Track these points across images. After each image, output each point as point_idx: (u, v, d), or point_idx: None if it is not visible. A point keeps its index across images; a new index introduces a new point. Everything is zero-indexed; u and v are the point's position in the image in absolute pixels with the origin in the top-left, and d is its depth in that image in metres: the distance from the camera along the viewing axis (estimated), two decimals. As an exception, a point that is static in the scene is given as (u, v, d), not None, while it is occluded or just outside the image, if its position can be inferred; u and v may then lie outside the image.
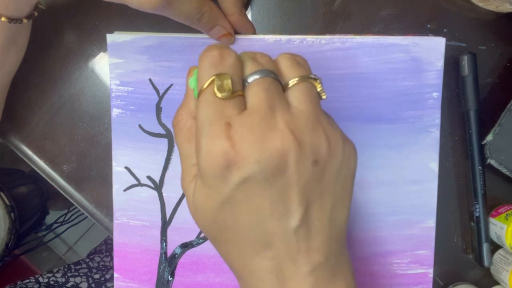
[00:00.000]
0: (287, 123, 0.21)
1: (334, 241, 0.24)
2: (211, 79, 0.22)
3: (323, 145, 0.22)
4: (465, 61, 0.37)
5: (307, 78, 0.24)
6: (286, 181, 0.21)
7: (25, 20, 0.33)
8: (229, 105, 0.22)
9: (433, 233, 0.37)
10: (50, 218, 1.08)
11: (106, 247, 0.92)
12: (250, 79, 0.23)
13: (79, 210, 0.59)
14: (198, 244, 0.38)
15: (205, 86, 0.22)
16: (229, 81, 0.22)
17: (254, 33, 0.36)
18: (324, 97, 0.24)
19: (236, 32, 0.35)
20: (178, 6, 0.29)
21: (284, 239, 0.22)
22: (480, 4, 0.37)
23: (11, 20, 0.32)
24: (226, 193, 0.22)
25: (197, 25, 0.32)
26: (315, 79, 0.24)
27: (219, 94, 0.22)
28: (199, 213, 0.24)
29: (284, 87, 0.23)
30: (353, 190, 0.25)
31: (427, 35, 0.37)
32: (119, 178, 0.38)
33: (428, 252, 0.37)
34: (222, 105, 0.22)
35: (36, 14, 0.34)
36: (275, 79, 0.23)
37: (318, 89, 0.24)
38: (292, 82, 0.23)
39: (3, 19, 0.31)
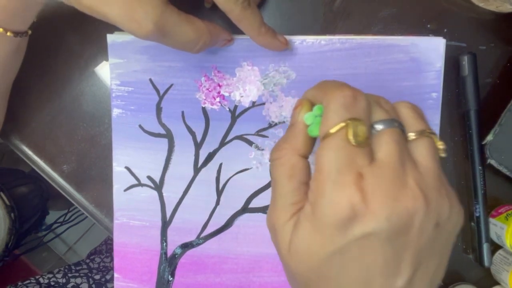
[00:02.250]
0: (416, 181, 0.21)
1: None
2: (345, 123, 0.21)
3: (446, 208, 0.22)
4: (465, 61, 0.37)
5: (428, 133, 0.23)
6: (406, 241, 0.21)
7: (29, 31, 0.33)
8: (361, 154, 0.21)
9: (433, 233, 0.37)
10: (50, 218, 1.08)
11: (106, 248, 0.92)
12: (378, 127, 0.22)
13: (79, 210, 0.58)
14: (198, 244, 0.38)
15: (334, 129, 0.21)
16: (364, 128, 0.21)
17: (259, 26, 0.34)
18: (443, 155, 0.23)
19: (237, 32, 0.35)
20: (173, 37, 0.28)
21: None
22: (480, 4, 0.37)
23: (17, 34, 0.32)
24: (341, 244, 0.21)
25: (193, 51, 0.31)
26: (435, 134, 0.23)
27: (353, 141, 0.21)
28: (298, 256, 0.22)
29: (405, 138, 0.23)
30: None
31: (427, 35, 0.37)
32: (119, 178, 0.38)
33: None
34: (354, 153, 0.21)
35: (35, 20, 0.34)
36: (402, 130, 0.22)
37: (440, 147, 0.23)
38: (414, 135, 0.23)
39: (8, 33, 0.31)
